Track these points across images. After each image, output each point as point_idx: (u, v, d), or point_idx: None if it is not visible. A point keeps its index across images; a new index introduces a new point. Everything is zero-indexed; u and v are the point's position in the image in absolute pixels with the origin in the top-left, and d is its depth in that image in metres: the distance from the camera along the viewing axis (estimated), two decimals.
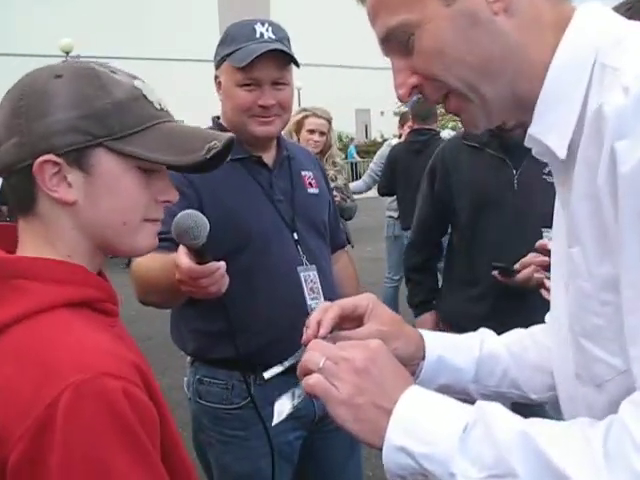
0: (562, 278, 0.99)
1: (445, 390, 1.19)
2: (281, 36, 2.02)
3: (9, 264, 1.02)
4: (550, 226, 1.13)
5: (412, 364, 1.18)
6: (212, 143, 1.06)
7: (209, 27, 27.68)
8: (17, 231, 1.08)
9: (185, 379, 2.17)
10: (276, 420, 1.07)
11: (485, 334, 1.27)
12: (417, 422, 0.88)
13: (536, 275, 2.22)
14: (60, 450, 0.86)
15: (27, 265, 1.02)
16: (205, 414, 2.07)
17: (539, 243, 1.87)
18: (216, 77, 2.08)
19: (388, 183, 5.67)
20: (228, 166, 2.02)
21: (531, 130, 0.94)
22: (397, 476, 0.89)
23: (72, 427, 0.87)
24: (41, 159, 0.99)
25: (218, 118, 2.16)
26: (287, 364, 1.17)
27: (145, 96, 1.06)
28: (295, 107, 2.18)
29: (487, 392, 1.22)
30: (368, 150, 25.91)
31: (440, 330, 3.03)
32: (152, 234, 1.11)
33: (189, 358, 2.16)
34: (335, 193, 4.23)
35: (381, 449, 0.89)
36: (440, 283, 3.21)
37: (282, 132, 2.21)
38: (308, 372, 0.95)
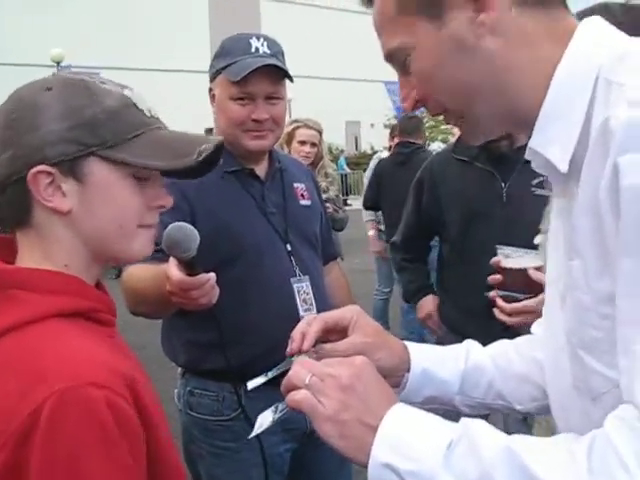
0: (558, 289, 1.00)
1: (431, 401, 1.22)
2: (276, 51, 2.03)
3: (6, 274, 1.03)
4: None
5: (397, 375, 1.19)
6: (203, 147, 1.08)
7: (200, 39, 27.79)
8: (16, 243, 1.09)
9: (176, 391, 2.16)
10: (255, 432, 1.08)
11: (470, 345, 1.28)
12: (402, 439, 0.88)
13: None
14: (39, 456, 0.87)
15: (23, 276, 1.03)
16: (196, 426, 2.07)
17: (493, 260, 1.83)
18: (210, 89, 2.10)
19: (373, 196, 5.73)
20: (221, 179, 2.05)
21: (532, 143, 0.95)
22: None
23: (53, 434, 0.88)
24: (35, 170, 1.00)
25: (210, 130, 2.17)
26: (270, 375, 1.18)
27: (135, 104, 1.08)
28: (286, 119, 2.20)
29: (472, 403, 1.24)
30: (358, 162, 26.02)
31: (441, 327, 3.07)
32: (148, 240, 1.13)
33: (180, 370, 2.16)
34: (327, 205, 4.25)
35: (367, 466, 0.89)
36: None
37: None
38: (293, 388, 0.96)
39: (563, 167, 0.91)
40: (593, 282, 0.88)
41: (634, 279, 0.79)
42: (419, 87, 0.99)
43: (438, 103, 1.00)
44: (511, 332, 1.36)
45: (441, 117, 1.03)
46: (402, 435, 0.88)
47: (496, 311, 1.82)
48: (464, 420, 0.89)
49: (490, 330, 1.71)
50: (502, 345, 1.30)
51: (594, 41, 0.92)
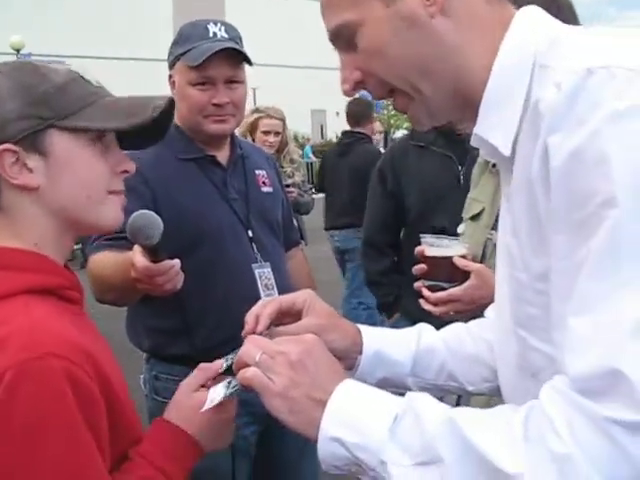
0: (507, 272, 1.03)
1: (384, 383, 1.24)
2: (234, 35, 2.05)
3: None
4: None
5: (350, 357, 1.21)
6: (156, 103, 1.13)
7: (163, 27, 27.42)
8: None
9: (141, 376, 2.18)
10: (206, 406, 1.11)
11: (423, 328, 1.31)
12: (350, 413, 0.90)
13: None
14: None
15: None
16: (161, 410, 2.06)
17: (417, 250, 1.79)
18: (170, 76, 2.10)
19: (321, 182, 5.86)
20: (182, 165, 2.06)
21: (476, 130, 0.97)
22: (332, 466, 0.92)
23: (10, 405, 0.91)
24: None
25: None
26: (230, 359, 1.19)
27: (82, 77, 1.12)
28: (250, 107, 2.23)
29: (425, 385, 1.26)
30: (324, 150, 25.86)
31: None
32: (117, 207, 1.16)
33: (145, 355, 2.17)
34: (292, 189, 4.27)
35: (316, 440, 0.92)
36: None
37: (237, 134, 2.24)
38: (244, 366, 0.98)
39: (506, 151, 0.93)
40: (528, 259, 0.91)
41: (565, 255, 0.82)
42: (365, 65, 0.98)
43: (381, 84, 0.99)
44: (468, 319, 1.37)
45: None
46: (350, 409, 0.91)
47: (422, 301, 1.78)
48: (410, 394, 0.92)
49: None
50: (454, 327, 1.33)
51: (530, 29, 0.94)
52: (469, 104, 0.98)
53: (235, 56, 2.02)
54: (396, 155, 3.03)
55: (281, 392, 0.94)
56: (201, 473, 2.08)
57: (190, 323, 1.80)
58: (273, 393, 0.94)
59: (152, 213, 1.56)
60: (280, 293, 2.05)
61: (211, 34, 2.01)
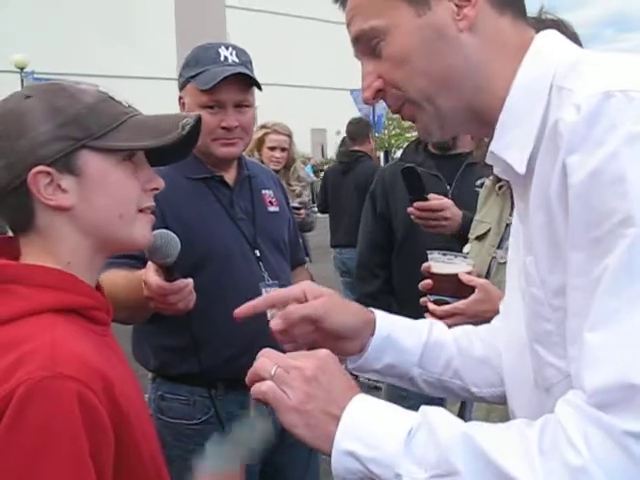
0: (520, 288, 1.05)
1: (389, 371, 1.25)
2: (244, 60, 2.08)
3: (5, 270, 1.07)
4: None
5: (361, 337, 1.22)
6: (184, 120, 1.15)
7: (165, 46, 27.64)
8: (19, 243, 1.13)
9: (146, 396, 2.18)
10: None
11: (435, 323, 1.32)
12: (364, 427, 0.91)
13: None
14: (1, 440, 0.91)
15: (22, 272, 1.08)
16: (166, 430, 2.08)
17: (423, 266, 1.81)
18: (180, 98, 2.13)
19: (323, 201, 5.97)
20: (191, 185, 2.08)
21: (492, 147, 1.00)
22: None
23: (22, 417, 0.92)
24: (33, 171, 1.06)
25: None
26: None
27: (112, 97, 1.14)
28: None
29: (430, 379, 1.27)
30: (324, 169, 26.01)
31: None
32: (147, 225, 1.18)
33: (150, 374, 2.18)
34: (302, 212, 4.28)
35: (330, 454, 0.92)
36: None
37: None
38: (258, 379, 0.99)
39: (521, 169, 0.96)
40: (545, 276, 0.93)
41: (582, 272, 0.84)
42: (388, 73, 1.00)
43: (397, 96, 1.01)
44: None
45: (407, 124, 1.04)
46: (364, 424, 0.92)
47: (427, 315, 1.79)
48: (423, 408, 0.93)
49: None
50: (465, 329, 1.34)
51: (549, 52, 0.97)
52: (481, 120, 1.01)
53: (245, 81, 2.05)
54: (386, 178, 3.08)
55: (296, 406, 0.94)
56: None
57: (197, 341, 1.81)
58: (288, 407, 0.95)
59: (171, 232, 1.58)
60: None
61: (222, 58, 2.04)
